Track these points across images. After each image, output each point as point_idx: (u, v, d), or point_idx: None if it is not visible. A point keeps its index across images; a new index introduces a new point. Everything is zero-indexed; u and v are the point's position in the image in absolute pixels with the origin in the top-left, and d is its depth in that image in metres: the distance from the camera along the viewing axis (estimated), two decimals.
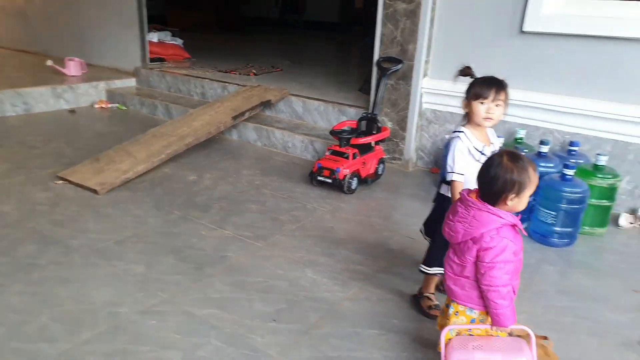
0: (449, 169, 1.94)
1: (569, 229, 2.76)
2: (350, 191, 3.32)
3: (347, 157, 3.31)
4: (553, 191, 2.72)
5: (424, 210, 3.14)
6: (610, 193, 2.89)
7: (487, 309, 1.56)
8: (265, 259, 2.50)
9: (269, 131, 4.20)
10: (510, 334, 1.60)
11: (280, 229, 2.82)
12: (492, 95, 1.87)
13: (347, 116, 4.09)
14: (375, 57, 3.77)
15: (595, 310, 2.20)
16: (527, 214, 2.93)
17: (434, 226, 2.13)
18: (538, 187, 2.74)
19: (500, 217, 1.48)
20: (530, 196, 1.53)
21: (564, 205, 2.70)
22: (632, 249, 2.80)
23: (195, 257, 2.49)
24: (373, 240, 2.76)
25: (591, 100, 3.16)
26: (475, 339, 1.57)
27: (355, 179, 3.33)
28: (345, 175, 3.26)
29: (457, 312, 1.64)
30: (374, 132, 3.54)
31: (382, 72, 3.66)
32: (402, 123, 3.81)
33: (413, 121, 3.77)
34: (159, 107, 5.00)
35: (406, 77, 3.69)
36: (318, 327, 2.01)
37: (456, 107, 3.66)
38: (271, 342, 1.92)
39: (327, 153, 3.45)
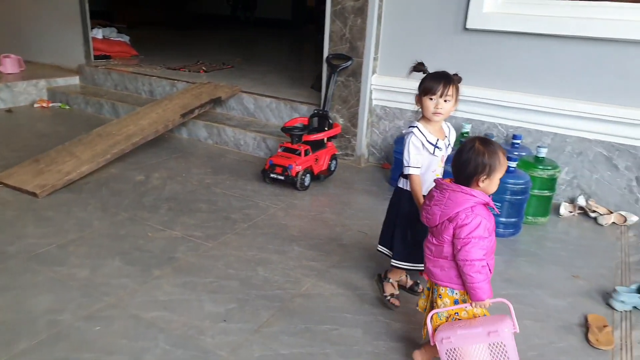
0: (405, 163, 2.00)
1: (513, 219, 2.86)
2: (303, 188, 3.32)
3: (299, 154, 3.31)
4: None
5: (376, 205, 3.23)
6: (550, 183, 3.02)
7: (464, 284, 1.61)
8: (216, 259, 2.46)
9: (220, 129, 4.13)
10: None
11: (232, 227, 2.78)
12: (440, 90, 1.91)
13: (299, 113, 4.08)
14: (325, 54, 3.78)
15: (538, 296, 2.29)
16: None
17: (391, 228, 2.15)
18: None
19: (474, 196, 1.57)
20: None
21: (508, 197, 2.80)
22: (572, 237, 2.94)
23: (142, 259, 2.42)
24: (326, 235, 2.76)
25: (532, 95, 3.29)
26: (460, 322, 1.63)
27: (308, 175, 3.33)
28: (297, 172, 3.25)
29: (440, 295, 1.69)
30: (325, 128, 3.55)
31: (332, 69, 3.67)
32: (353, 119, 3.84)
33: (363, 118, 3.81)
34: (105, 106, 4.83)
35: (356, 74, 3.71)
36: (269, 325, 2.00)
37: (405, 103, 3.73)
38: (222, 342, 1.89)
39: (279, 150, 3.43)
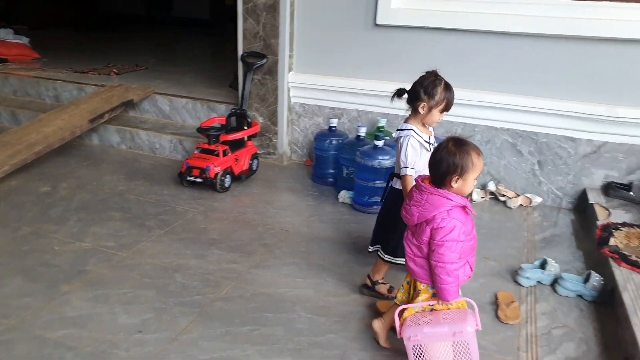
0: (402, 165, 2.03)
1: None
2: (224, 189, 3.25)
3: (217, 155, 3.23)
4: None
5: (299, 202, 3.23)
6: None
7: (434, 283, 1.65)
8: (130, 269, 2.34)
9: (133, 133, 3.95)
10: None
11: (147, 235, 2.66)
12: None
13: (217, 113, 4.00)
14: (239, 52, 3.72)
15: None
16: None
17: (393, 220, 2.11)
18: None
19: (451, 199, 1.58)
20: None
21: None
22: (484, 221, 3.10)
23: (48, 275, 2.26)
24: (247, 236, 2.72)
25: None
26: (426, 315, 1.68)
27: (228, 176, 3.27)
28: (216, 174, 3.18)
29: (419, 290, 1.74)
30: (244, 127, 3.50)
31: (248, 67, 3.62)
32: (272, 117, 3.82)
33: (283, 115, 3.79)
34: (3, 114, 4.46)
35: (272, 71, 3.69)
36: (188, 332, 1.94)
37: (323, 100, 3.76)
38: (137, 354, 1.80)
39: (196, 152, 3.33)
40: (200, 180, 3.19)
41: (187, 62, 5.99)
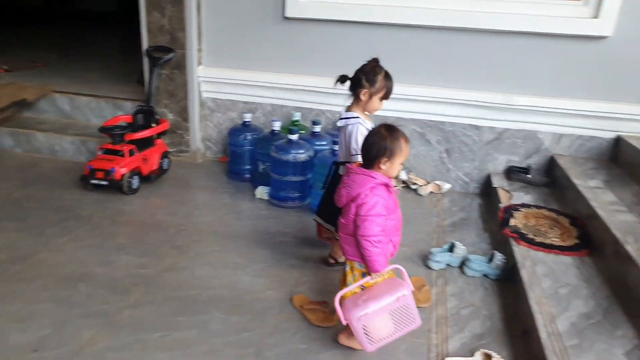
0: (354, 152, 2.11)
1: None
2: (132, 191, 3.09)
3: (122, 155, 3.06)
4: (326, 167, 2.92)
5: (215, 199, 3.15)
6: None
7: (363, 258, 1.74)
8: (27, 282, 2.16)
9: (29, 135, 3.64)
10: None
11: (47, 244, 2.47)
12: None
13: (124, 110, 3.78)
14: (144, 46, 3.55)
15: None
16: (307, 191, 3.11)
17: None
18: (313, 165, 2.92)
19: (374, 177, 1.70)
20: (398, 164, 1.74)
21: None
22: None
23: None
24: (158, 239, 2.60)
25: None
26: (361, 294, 1.74)
27: (135, 177, 3.11)
28: (122, 175, 3.01)
29: (352, 267, 1.85)
30: (152, 125, 3.34)
31: (153, 62, 3.46)
32: (183, 114, 3.68)
33: (194, 111, 3.67)
34: None
35: (180, 66, 3.55)
36: (93, 344, 1.82)
37: (236, 94, 3.69)
38: None
39: (99, 153, 3.14)
40: (105, 182, 3.00)
41: (91, 57, 5.63)
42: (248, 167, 3.44)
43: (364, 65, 2.16)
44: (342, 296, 1.73)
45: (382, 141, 1.71)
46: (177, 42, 3.49)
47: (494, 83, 3.29)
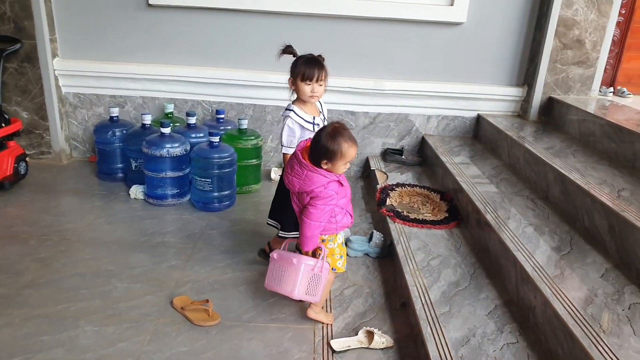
0: (281, 144, 2.15)
1: (226, 192, 2.92)
2: None
3: None
4: (204, 159, 2.82)
5: (84, 203, 2.89)
6: (256, 152, 3.19)
7: (300, 234, 1.86)
8: None
9: None
10: None
11: None
12: (315, 76, 2.03)
13: None
14: None
15: (252, 260, 2.38)
16: (186, 187, 2.98)
17: (280, 205, 2.24)
18: (190, 159, 2.80)
19: (326, 177, 1.77)
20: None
21: (216, 171, 2.83)
22: None
23: None
24: (16, 253, 2.32)
25: (227, 70, 3.38)
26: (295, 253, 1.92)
27: None
28: None
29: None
30: (1, 125, 2.96)
31: None
32: (40, 112, 3.32)
33: (53, 108, 3.32)
34: None
35: (31, 58, 3.19)
36: None
37: (101, 88, 3.41)
38: None
39: None
40: None
41: None
42: (120, 165, 3.21)
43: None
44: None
45: (325, 142, 1.72)
46: (23, 31, 3.12)
47: (365, 69, 3.40)
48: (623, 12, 3.31)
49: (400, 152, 3.50)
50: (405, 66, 3.39)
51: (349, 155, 1.75)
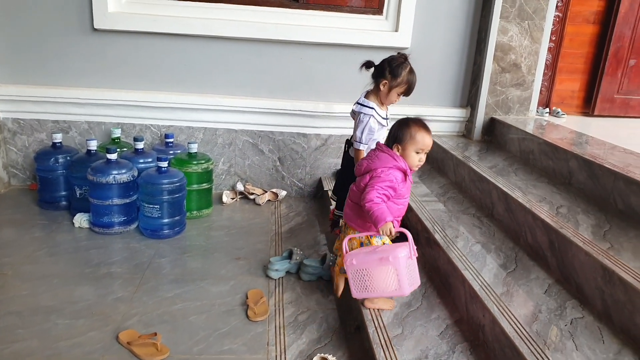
0: (357, 139, 2.27)
1: (176, 218, 2.85)
2: None
3: None
4: (152, 185, 2.75)
5: (22, 236, 2.74)
6: (207, 176, 3.15)
7: (369, 220, 1.84)
8: None
9: None
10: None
11: None
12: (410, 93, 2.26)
13: None
14: None
15: (203, 288, 2.34)
16: (134, 214, 2.89)
17: (343, 183, 2.36)
18: (138, 185, 2.73)
19: (395, 159, 1.84)
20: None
21: (165, 197, 2.77)
22: (234, 221, 3.14)
23: None
24: None
25: (177, 94, 3.34)
26: (365, 249, 1.89)
27: None
28: None
29: (348, 232, 2.00)
30: None
31: None
32: None
33: None
34: None
35: None
36: None
37: (43, 113, 3.29)
38: None
39: None
40: None
41: None
42: (63, 193, 3.09)
43: (391, 57, 2.22)
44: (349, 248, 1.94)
45: (396, 127, 1.88)
46: None
47: (315, 93, 3.45)
48: (553, 38, 3.53)
49: None
50: (354, 89, 3.39)
51: (419, 140, 1.85)
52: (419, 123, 1.88)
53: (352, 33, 3.30)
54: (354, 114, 2.41)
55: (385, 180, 1.82)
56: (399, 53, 2.28)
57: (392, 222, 1.79)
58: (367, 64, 2.27)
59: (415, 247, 1.81)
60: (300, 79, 3.41)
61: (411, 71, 2.24)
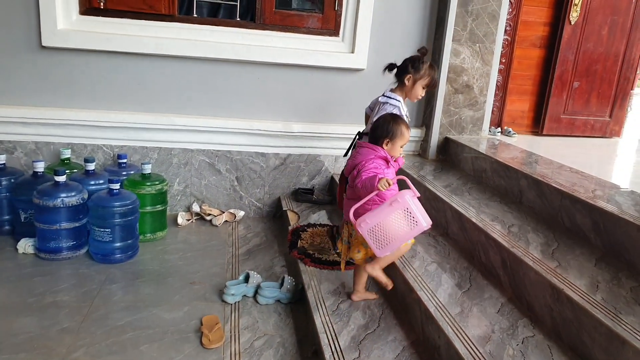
0: (367, 111, 2.53)
1: (128, 242, 2.76)
2: None
3: None
4: (102, 209, 2.65)
5: None
6: (161, 197, 3.07)
7: (367, 192, 1.92)
8: None
9: None
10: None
11: None
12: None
13: None
14: None
15: (155, 315, 2.25)
16: (85, 238, 2.77)
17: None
18: (88, 208, 2.63)
19: (375, 150, 2.01)
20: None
21: (117, 220, 2.67)
22: (190, 244, 3.07)
23: None
24: None
25: (130, 113, 3.26)
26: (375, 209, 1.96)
27: None
28: None
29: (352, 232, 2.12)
30: None
31: None
32: None
33: None
34: None
35: None
36: None
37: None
38: None
39: None
40: None
41: None
42: (7, 217, 2.94)
43: (413, 55, 2.37)
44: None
45: (386, 124, 2.01)
46: None
47: (273, 112, 3.44)
48: (503, 61, 3.66)
49: (311, 191, 3.54)
50: (312, 109, 3.47)
51: (406, 135, 2.04)
52: (404, 121, 2.10)
53: (310, 54, 3.32)
54: (372, 109, 2.51)
55: (369, 168, 1.98)
56: (419, 50, 2.41)
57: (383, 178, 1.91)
58: (390, 67, 2.44)
59: (415, 188, 1.95)
60: (258, 99, 3.40)
61: (432, 66, 2.39)
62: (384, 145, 2.03)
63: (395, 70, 2.41)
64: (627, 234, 1.92)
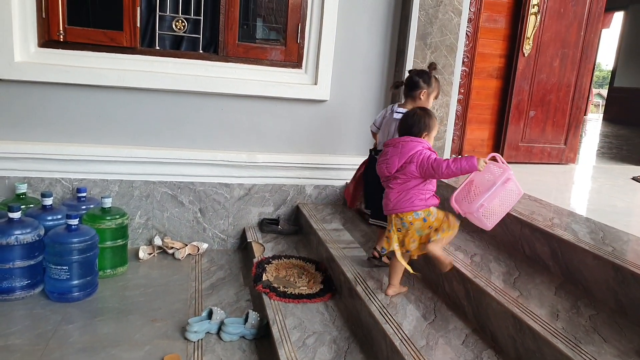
0: (373, 129, 2.65)
1: (87, 279, 2.66)
2: None
3: None
4: (60, 245, 2.56)
5: None
6: (122, 231, 2.98)
7: (463, 173, 2.03)
8: None
9: None
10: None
11: None
12: None
13: None
14: None
15: (114, 356, 2.16)
16: (40, 276, 2.66)
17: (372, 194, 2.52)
18: (45, 244, 2.54)
19: (421, 142, 2.10)
20: None
21: (75, 257, 2.58)
22: (152, 279, 2.98)
23: None
24: None
25: (90, 146, 3.19)
26: (467, 190, 2.13)
27: None
28: None
29: (411, 222, 2.11)
30: None
31: None
32: None
33: None
34: None
35: None
36: None
37: None
38: None
39: None
40: None
41: None
42: None
43: (421, 71, 2.47)
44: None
45: (423, 119, 2.11)
46: None
47: (237, 143, 3.44)
48: (462, 91, 3.78)
49: (276, 221, 3.51)
50: (276, 139, 3.49)
51: (437, 128, 2.20)
52: (434, 113, 2.23)
53: (273, 85, 3.35)
54: (381, 126, 2.60)
55: (430, 154, 2.06)
56: (429, 65, 2.63)
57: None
58: (396, 85, 2.69)
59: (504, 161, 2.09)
60: (222, 130, 3.39)
61: (437, 79, 2.53)
62: (425, 137, 2.16)
63: (402, 88, 2.58)
64: (584, 262, 1.98)
